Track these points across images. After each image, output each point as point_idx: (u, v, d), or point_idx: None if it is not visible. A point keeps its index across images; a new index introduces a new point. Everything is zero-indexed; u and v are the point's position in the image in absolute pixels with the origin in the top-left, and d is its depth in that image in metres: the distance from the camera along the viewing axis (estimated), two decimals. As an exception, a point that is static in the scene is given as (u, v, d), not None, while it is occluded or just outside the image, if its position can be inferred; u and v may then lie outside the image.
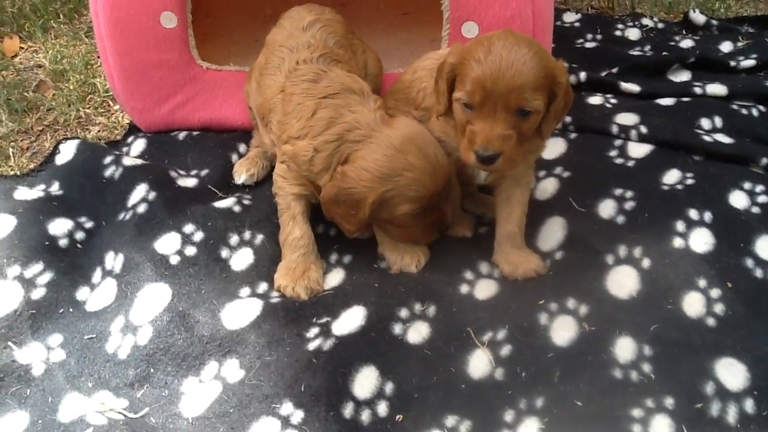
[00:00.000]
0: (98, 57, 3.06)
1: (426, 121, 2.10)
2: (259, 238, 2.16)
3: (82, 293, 2.01)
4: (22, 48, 3.16)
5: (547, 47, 2.44)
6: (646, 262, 2.00)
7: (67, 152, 2.45)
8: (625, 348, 1.79)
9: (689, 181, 2.24)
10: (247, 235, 2.15)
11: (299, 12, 2.34)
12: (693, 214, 2.11)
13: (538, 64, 1.77)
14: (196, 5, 2.48)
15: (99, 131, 2.68)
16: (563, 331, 1.85)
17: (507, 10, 2.30)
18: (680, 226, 2.09)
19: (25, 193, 2.27)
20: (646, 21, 3.27)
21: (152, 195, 2.19)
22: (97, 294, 2.01)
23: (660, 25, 3.26)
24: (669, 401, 1.67)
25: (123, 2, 2.32)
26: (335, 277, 2.07)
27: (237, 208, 2.22)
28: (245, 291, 2.02)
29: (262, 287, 2.04)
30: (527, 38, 1.84)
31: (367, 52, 2.44)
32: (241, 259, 2.10)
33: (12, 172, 2.45)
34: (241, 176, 2.36)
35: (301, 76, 2.09)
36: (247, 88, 2.40)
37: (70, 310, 1.96)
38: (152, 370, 1.81)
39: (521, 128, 1.81)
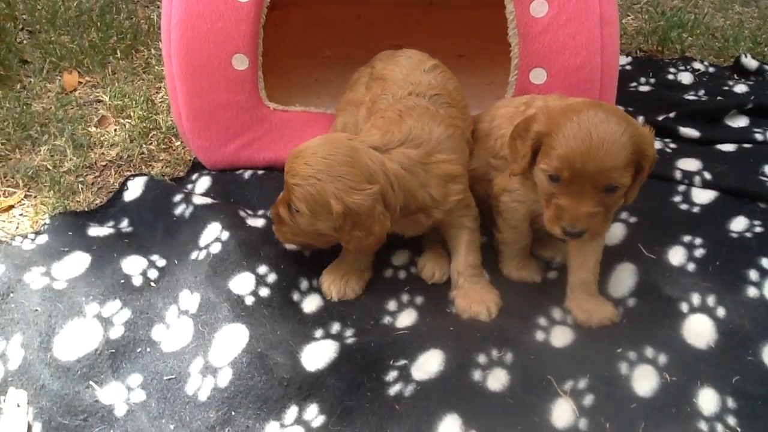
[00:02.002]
0: (157, 92, 3.12)
1: (503, 170, 2.12)
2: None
3: (157, 332, 2.02)
4: (81, 83, 3.21)
5: (614, 96, 2.46)
6: (721, 311, 2.00)
7: (135, 189, 2.47)
8: (708, 400, 1.79)
9: (758, 229, 2.24)
10: (316, 282, 2.17)
11: (418, 55, 2.32)
12: (765, 263, 2.11)
13: (628, 141, 1.75)
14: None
15: (162, 167, 2.70)
16: (645, 381, 1.84)
17: (576, 58, 2.33)
18: (753, 275, 2.08)
19: (96, 230, 2.30)
20: (697, 65, 3.29)
21: (225, 235, 2.20)
22: (173, 333, 2.01)
23: (711, 69, 3.28)
24: (759, 456, 1.67)
25: (197, 45, 2.36)
26: (408, 317, 2.08)
27: (306, 253, 2.23)
28: (319, 332, 2.03)
29: (335, 328, 2.05)
30: (616, 111, 1.83)
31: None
32: (312, 303, 2.12)
33: (80, 208, 2.47)
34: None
35: (403, 103, 2.12)
36: (343, 121, 2.39)
37: (148, 349, 1.97)
38: (233, 414, 1.81)
39: (607, 203, 1.82)
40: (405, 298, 2.14)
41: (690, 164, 2.55)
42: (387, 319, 2.08)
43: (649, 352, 1.91)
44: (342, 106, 2.44)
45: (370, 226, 1.94)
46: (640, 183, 1.88)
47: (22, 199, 2.54)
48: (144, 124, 2.87)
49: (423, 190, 2.02)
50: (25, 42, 3.49)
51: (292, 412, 1.81)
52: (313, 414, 1.80)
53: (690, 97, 3.05)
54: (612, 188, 1.79)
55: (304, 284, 2.15)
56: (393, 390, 1.83)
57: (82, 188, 2.57)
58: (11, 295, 2.02)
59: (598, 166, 1.74)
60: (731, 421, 1.74)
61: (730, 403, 1.78)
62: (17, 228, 2.42)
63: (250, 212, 2.41)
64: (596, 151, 1.74)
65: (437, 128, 2.06)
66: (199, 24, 2.34)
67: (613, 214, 1.92)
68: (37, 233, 2.31)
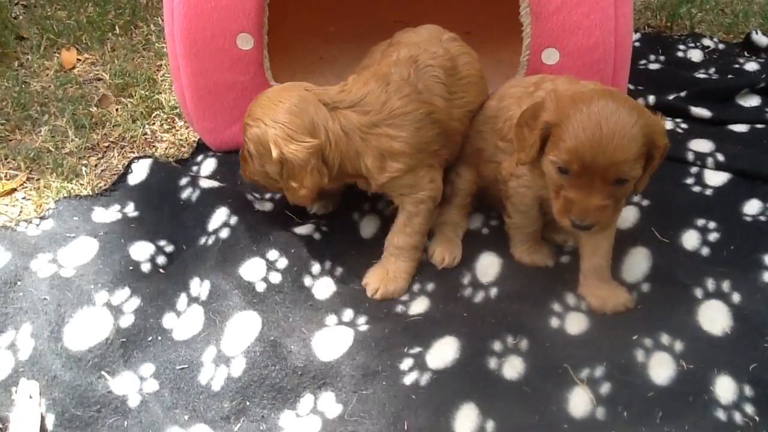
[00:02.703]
0: (158, 71, 3.06)
1: (510, 153, 2.08)
2: (339, 270, 2.16)
3: (168, 320, 1.99)
4: (80, 60, 3.15)
5: (626, 75, 2.41)
6: (736, 297, 1.99)
7: (140, 172, 2.43)
8: (725, 388, 1.78)
9: (772, 212, 2.22)
10: (327, 264, 2.15)
11: (438, 29, 2.29)
12: (780, 247, 2.10)
13: (639, 132, 1.71)
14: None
15: (166, 148, 2.66)
16: (661, 368, 1.83)
17: (590, 39, 2.28)
18: (768, 259, 2.07)
19: (102, 215, 2.26)
20: (707, 42, 3.24)
21: (234, 220, 2.17)
22: (184, 321, 1.99)
23: (721, 46, 3.23)
24: (776, 445, 1.66)
25: (200, 24, 2.30)
26: (420, 305, 2.06)
27: (317, 236, 2.21)
28: (332, 319, 2.01)
29: (348, 314, 2.03)
30: (627, 100, 1.78)
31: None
32: (324, 288, 2.09)
33: (85, 191, 2.43)
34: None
35: (388, 65, 2.11)
36: None
37: (159, 338, 1.94)
38: (248, 403, 1.79)
39: (617, 195, 1.78)
40: (416, 286, 2.12)
41: (702, 145, 2.52)
42: (399, 308, 2.06)
43: (665, 339, 1.90)
44: (357, 71, 2.39)
45: (302, 178, 1.98)
46: (651, 172, 1.84)
47: (24, 182, 2.49)
48: (146, 104, 2.82)
49: (358, 158, 2.03)
50: (20, 17, 3.41)
51: (307, 401, 1.80)
52: (329, 403, 1.79)
53: (700, 75, 3.01)
54: (622, 181, 1.76)
55: (315, 268, 2.12)
56: (409, 379, 1.82)
57: (85, 170, 2.52)
58: (18, 283, 1.98)
59: (608, 159, 1.70)
60: (749, 409, 1.74)
61: (748, 391, 1.77)
62: (20, 212, 2.37)
63: (257, 195, 2.37)
64: (606, 144, 1.69)
65: (397, 101, 2.03)
66: (203, 2, 2.28)
67: (622, 206, 1.89)
68: (42, 218, 2.27)
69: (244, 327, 1.92)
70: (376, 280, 2.09)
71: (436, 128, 2.10)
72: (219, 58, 2.37)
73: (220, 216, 2.20)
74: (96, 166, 2.58)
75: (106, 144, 2.68)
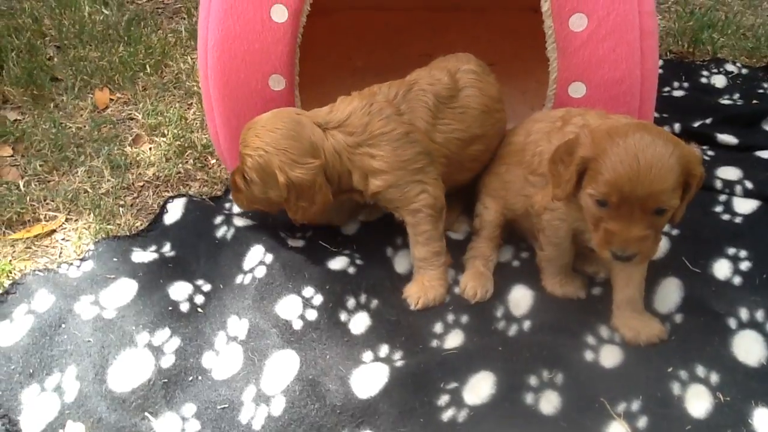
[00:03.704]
0: (189, 108, 3.12)
1: (541, 187, 2.10)
2: (375, 302, 2.18)
3: (207, 360, 2.03)
4: (112, 99, 3.23)
5: (653, 106, 2.43)
6: (770, 327, 1.99)
7: (174, 211, 2.49)
8: (764, 420, 1.79)
9: (803, 240, 2.23)
10: (363, 298, 2.18)
11: (467, 57, 2.42)
12: (814, 275, 2.10)
13: (675, 163, 1.74)
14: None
15: (200, 186, 2.71)
16: (698, 401, 1.84)
17: (617, 72, 2.30)
18: (802, 288, 2.07)
19: (140, 256, 2.31)
20: (730, 67, 3.25)
21: (269, 258, 2.21)
22: (223, 360, 2.03)
23: (744, 71, 3.24)
24: (817, 478, 1.66)
25: (234, 66, 2.35)
26: (455, 339, 2.09)
27: (351, 270, 2.24)
28: (368, 355, 2.04)
29: (384, 350, 2.06)
30: (662, 132, 1.81)
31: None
32: (360, 323, 2.12)
33: (122, 232, 2.48)
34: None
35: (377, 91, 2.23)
36: None
37: (199, 378, 1.98)
38: (288, 442, 1.82)
39: (656, 225, 1.81)
40: (450, 318, 2.15)
41: (730, 173, 2.54)
42: (435, 342, 2.08)
43: (700, 370, 1.91)
44: None
45: (312, 196, 2.13)
46: (688, 201, 1.87)
47: (63, 223, 2.56)
48: (179, 143, 2.88)
49: (349, 174, 2.18)
50: (54, 58, 3.50)
51: (346, 439, 1.83)
52: (368, 441, 1.82)
53: (725, 101, 3.03)
54: (661, 211, 1.78)
55: (350, 303, 2.16)
56: (446, 415, 1.84)
57: (122, 211, 2.58)
58: (63, 326, 2.04)
59: (647, 190, 1.73)
60: (788, 441, 1.74)
61: (786, 423, 1.77)
62: (61, 254, 2.43)
63: (288, 233, 2.41)
64: (645, 175, 1.72)
65: (377, 122, 2.16)
66: (236, 46, 2.34)
67: (660, 236, 1.91)
68: (82, 260, 2.33)
69: (283, 366, 1.96)
70: (416, 292, 2.18)
71: (417, 147, 2.19)
72: (252, 99, 2.42)
73: (255, 254, 2.24)
74: (132, 205, 2.64)
75: (141, 183, 2.74)
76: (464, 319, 2.14)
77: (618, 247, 1.79)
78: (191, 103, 3.15)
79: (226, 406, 1.91)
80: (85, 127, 3.03)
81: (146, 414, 1.87)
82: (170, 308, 2.11)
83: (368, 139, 2.17)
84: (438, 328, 2.12)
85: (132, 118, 3.10)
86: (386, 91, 2.24)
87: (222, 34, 2.34)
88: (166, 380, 1.95)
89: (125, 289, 2.16)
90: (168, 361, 1.99)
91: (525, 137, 2.24)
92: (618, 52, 2.30)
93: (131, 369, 1.94)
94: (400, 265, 2.34)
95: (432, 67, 2.37)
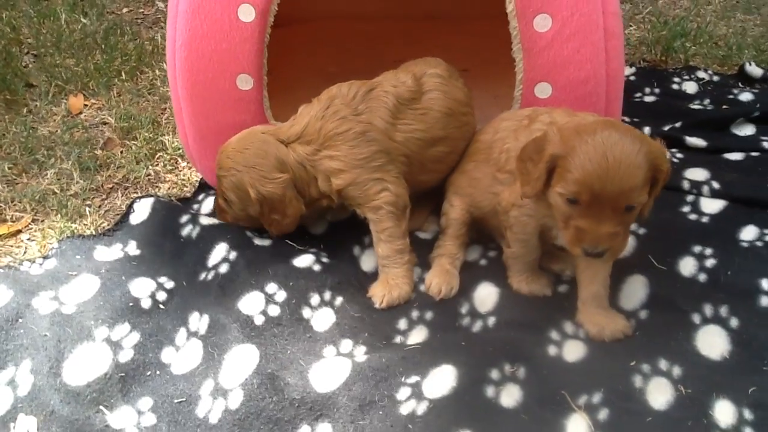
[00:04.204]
0: (163, 113, 3.13)
1: (509, 184, 2.10)
2: (339, 300, 2.16)
3: (167, 355, 2.01)
4: (87, 105, 3.23)
5: (620, 107, 2.45)
6: (734, 322, 1.98)
7: (141, 211, 2.47)
8: (725, 412, 1.76)
9: (769, 238, 2.23)
10: (327, 295, 2.16)
11: (435, 62, 2.44)
12: (778, 272, 2.09)
13: (643, 159, 1.74)
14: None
15: (169, 188, 2.71)
16: (659, 394, 1.82)
17: (581, 72, 2.31)
18: (765, 284, 2.07)
19: (104, 253, 2.30)
20: (701, 74, 3.28)
21: (233, 255, 2.20)
22: (182, 355, 2.00)
23: (716, 78, 3.27)
24: (778, 469, 1.64)
25: (202, 66, 2.36)
26: (419, 334, 2.07)
27: (317, 267, 2.23)
28: (330, 350, 2.02)
29: (346, 346, 2.04)
30: (629, 130, 1.81)
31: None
32: (323, 319, 2.11)
33: (88, 231, 2.47)
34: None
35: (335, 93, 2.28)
36: None
37: (158, 372, 1.96)
38: (245, 435, 1.80)
39: (626, 221, 1.81)
40: (415, 314, 2.13)
41: (698, 174, 2.54)
42: (398, 338, 2.07)
43: (663, 364, 1.89)
44: None
45: (284, 209, 2.22)
46: (654, 197, 1.87)
47: (29, 224, 2.54)
48: (150, 146, 2.88)
49: (314, 183, 2.24)
50: (30, 66, 3.51)
51: (303, 432, 1.80)
52: (326, 434, 1.79)
53: (695, 106, 3.05)
54: (630, 207, 1.78)
55: (314, 299, 2.14)
56: (406, 408, 1.82)
57: (89, 211, 2.56)
58: (20, 320, 2.01)
59: (617, 188, 1.73)
60: (749, 433, 1.72)
61: (747, 414, 1.75)
62: (25, 253, 2.41)
63: (255, 233, 2.40)
64: (614, 173, 1.72)
65: (330, 124, 2.22)
66: (204, 45, 2.34)
67: (629, 231, 1.90)
68: (45, 257, 2.31)
69: (242, 360, 1.94)
70: (380, 291, 2.17)
71: (374, 146, 2.22)
72: (220, 99, 2.42)
73: (219, 252, 2.23)
74: (100, 207, 2.63)
75: (110, 185, 2.74)
76: (428, 315, 2.13)
77: (590, 245, 1.79)
78: (165, 108, 3.16)
79: (184, 399, 1.88)
80: (56, 131, 3.03)
81: (101, 407, 1.84)
82: (131, 304, 2.09)
83: (324, 142, 2.22)
84: (402, 324, 2.11)
85: (105, 123, 3.10)
86: (345, 91, 2.27)
87: (189, 34, 2.34)
88: (123, 374, 1.92)
89: (86, 285, 2.14)
90: (126, 355, 1.97)
91: (492, 135, 2.25)
92: (582, 52, 2.31)
93: (87, 363, 1.92)
94: (367, 263, 2.32)
95: (399, 71, 2.40)
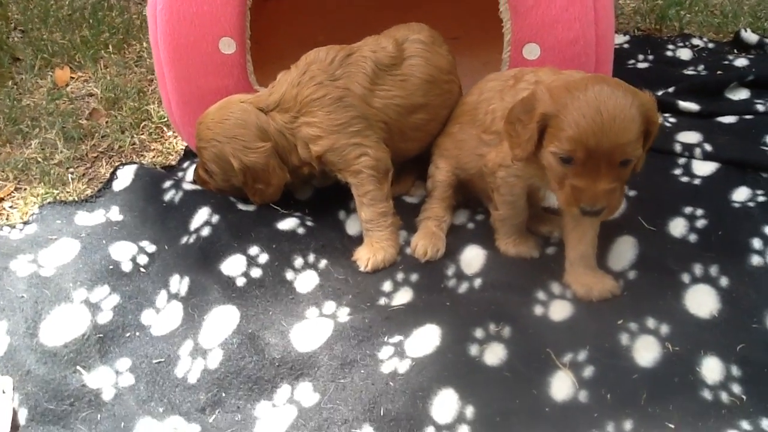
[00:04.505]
0: (149, 84, 3.09)
1: (495, 145, 2.06)
2: (324, 262, 2.13)
3: (147, 317, 1.98)
4: (73, 78, 3.19)
5: (610, 70, 2.40)
6: (724, 281, 1.95)
7: (125, 177, 2.44)
8: (712, 369, 1.74)
9: (761, 198, 2.19)
10: (311, 258, 2.13)
11: (418, 27, 2.40)
12: (769, 231, 2.06)
13: (637, 112, 1.69)
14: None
15: (154, 157, 2.67)
16: (646, 351, 1.79)
17: (570, 32, 2.27)
18: (757, 243, 2.03)
19: (85, 218, 2.27)
20: (696, 41, 3.23)
21: (215, 218, 2.17)
22: (163, 317, 1.98)
23: (711, 45, 3.22)
24: (765, 423, 1.61)
25: (184, 29, 2.32)
26: (404, 296, 2.04)
27: (301, 230, 2.19)
28: (313, 312, 1.99)
29: (330, 307, 2.01)
30: (620, 84, 1.76)
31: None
32: (307, 281, 2.08)
33: (71, 198, 2.44)
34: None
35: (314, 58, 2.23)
36: None
37: (137, 334, 1.93)
38: (224, 395, 1.77)
39: (622, 176, 1.76)
40: (400, 276, 2.10)
41: (690, 137, 2.50)
42: (383, 300, 2.04)
43: (650, 322, 1.86)
44: None
45: (267, 178, 2.20)
46: (648, 150, 1.82)
47: (12, 192, 2.51)
48: (135, 115, 2.84)
49: (295, 151, 2.21)
50: (17, 40, 3.47)
51: (284, 391, 1.78)
52: (306, 393, 1.77)
53: (689, 72, 3.00)
54: (626, 162, 1.73)
55: (298, 262, 2.11)
56: (387, 367, 1.79)
57: (72, 179, 2.53)
58: (-3, 282, 1.99)
59: (612, 143, 1.68)
60: (736, 389, 1.70)
61: (735, 371, 1.73)
62: (6, 220, 2.38)
63: (240, 199, 2.36)
64: (609, 128, 1.67)
65: (306, 90, 2.18)
66: (185, 8, 2.30)
67: (625, 187, 1.86)
68: (26, 223, 2.28)
69: (222, 321, 1.91)
70: (365, 254, 2.13)
71: (352, 111, 2.18)
72: (202, 62, 2.38)
73: (202, 215, 2.20)
74: (84, 175, 2.60)
75: (95, 154, 2.70)
76: (414, 277, 2.09)
77: (587, 203, 1.74)
78: (152, 79, 3.12)
79: (163, 360, 1.86)
80: (42, 102, 2.99)
81: (78, 368, 1.82)
82: (111, 267, 2.06)
83: (301, 108, 2.19)
84: (387, 286, 2.07)
85: (91, 94, 3.07)
86: (323, 56, 2.23)
87: (170, -4, 2.31)
88: (101, 335, 1.90)
89: (66, 248, 2.11)
90: (105, 317, 1.94)
91: (478, 96, 2.21)
92: (571, 12, 2.27)
93: (65, 324, 1.89)
94: (352, 227, 2.29)
95: (381, 36, 2.36)
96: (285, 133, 2.20)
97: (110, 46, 3.35)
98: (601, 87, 1.72)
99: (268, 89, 2.28)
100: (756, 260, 1.99)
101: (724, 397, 1.68)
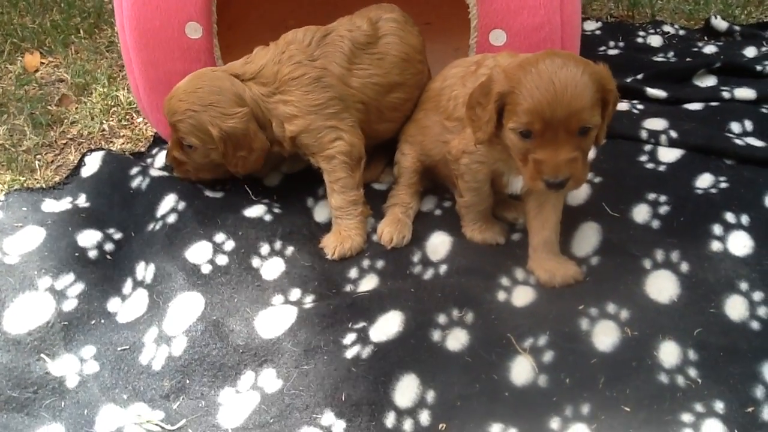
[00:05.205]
0: (120, 70, 3.07)
1: (458, 132, 2.08)
2: (290, 249, 2.14)
3: (113, 304, 1.99)
4: (43, 63, 3.16)
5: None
6: (684, 266, 1.98)
7: (92, 164, 2.43)
8: (669, 353, 1.77)
9: (723, 185, 2.21)
10: (278, 245, 2.14)
11: (390, 9, 2.40)
12: (730, 217, 2.08)
13: (589, 79, 1.72)
14: (218, 18, 2.47)
15: (123, 143, 2.66)
16: (605, 336, 1.82)
17: (535, 18, 2.28)
18: (717, 229, 2.06)
19: (52, 205, 2.26)
20: (667, 28, 3.25)
21: (182, 205, 2.17)
22: (128, 305, 1.98)
23: (681, 32, 3.24)
24: (719, 405, 1.65)
25: (149, 14, 2.31)
26: (370, 282, 2.06)
27: (267, 217, 2.20)
28: (278, 299, 2.00)
29: (295, 294, 2.02)
30: (572, 55, 1.79)
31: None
32: (273, 268, 2.08)
33: (38, 185, 2.43)
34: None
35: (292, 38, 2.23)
36: None
37: (102, 321, 1.94)
38: (188, 381, 1.79)
39: (583, 146, 1.78)
40: (366, 263, 2.11)
41: (656, 124, 2.52)
42: (349, 287, 2.05)
43: (611, 308, 1.88)
44: None
45: (249, 144, 2.15)
46: (608, 121, 1.84)
47: (-23, 180, 2.49)
48: (105, 101, 2.82)
49: (270, 125, 2.19)
50: (-16, 25, 3.43)
51: (247, 377, 1.79)
52: (269, 379, 1.78)
53: (659, 59, 3.02)
54: (585, 130, 1.75)
55: (264, 249, 2.12)
56: (350, 353, 1.81)
57: (40, 166, 2.52)
58: (-40, 271, 1.98)
59: (567, 109, 1.71)
60: (692, 372, 1.72)
61: (692, 355, 1.75)
62: (-27, 207, 2.37)
63: (208, 186, 2.36)
64: (562, 95, 1.70)
65: (285, 69, 2.17)
66: (151, -8, 2.29)
67: (588, 160, 1.87)
68: (-8, 210, 2.27)
69: (187, 308, 1.92)
70: (333, 242, 2.14)
71: (330, 92, 2.18)
72: (169, 47, 2.37)
73: (168, 202, 2.20)
74: (52, 162, 2.59)
75: (64, 141, 2.69)
76: (380, 264, 2.11)
77: (550, 174, 1.75)
78: (122, 65, 3.07)
79: (127, 347, 1.87)
80: (11, 88, 2.96)
81: (42, 355, 1.82)
82: (77, 254, 2.06)
83: (279, 86, 2.17)
84: (353, 273, 2.09)
85: (61, 80, 3.05)
86: (301, 37, 2.23)
87: (136, -19, 2.29)
88: (66, 323, 1.90)
89: (32, 236, 2.10)
90: (70, 304, 1.94)
91: (441, 83, 2.22)
92: (536, -3, 2.28)
93: (29, 312, 1.89)
94: (320, 214, 2.30)
95: (354, 16, 2.36)
96: (260, 104, 2.17)
97: (81, 31, 3.32)
98: (552, 59, 1.75)
99: (242, 59, 2.25)
100: (716, 246, 2.02)
101: (680, 380, 1.71)
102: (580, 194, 2.24)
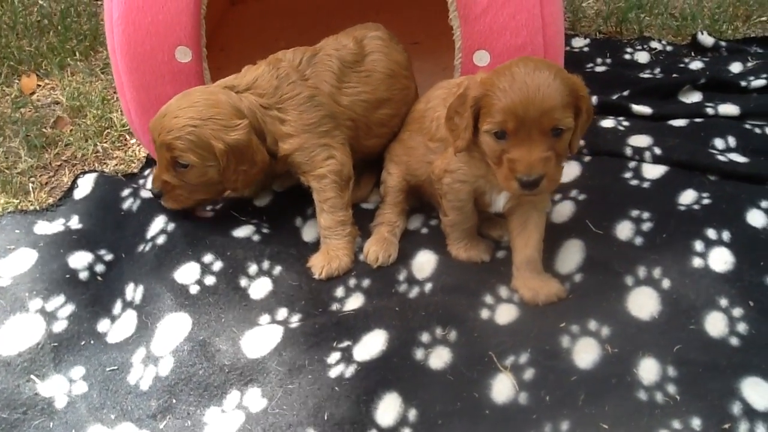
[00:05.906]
0: (115, 92, 3.11)
1: (441, 153, 2.11)
2: (278, 269, 2.17)
3: (103, 325, 2.02)
4: (39, 85, 3.21)
5: (560, 73, 2.45)
6: (666, 283, 1.99)
7: (85, 186, 2.47)
8: (649, 369, 1.78)
9: (706, 201, 2.23)
10: (266, 265, 2.16)
11: (375, 28, 2.45)
12: (711, 233, 2.10)
13: (561, 82, 1.78)
14: (210, 40, 2.52)
15: (116, 164, 2.71)
16: (586, 353, 1.84)
17: (518, 38, 2.32)
18: (699, 246, 2.08)
19: (45, 228, 2.30)
20: (654, 44, 3.29)
21: (171, 226, 2.21)
22: (118, 326, 2.02)
23: (669, 48, 3.28)
24: (696, 422, 1.65)
25: (140, 38, 2.35)
26: (355, 301, 2.08)
27: (256, 237, 2.23)
28: (265, 318, 2.03)
29: (282, 313, 2.05)
30: (544, 60, 1.86)
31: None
32: (260, 288, 2.11)
33: (32, 207, 2.47)
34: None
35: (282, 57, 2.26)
36: None
37: (92, 342, 1.97)
38: (174, 401, 1.81)
39: (556, 148, 1.83)
40: (352, 282, 2.14)
41: (641, 140, 2.55)
42: (335, 306, 2.08)
43: (592, 325, 1.90)
44: None
45: (252, 157, 2.13)
46: (583, 130, 1.90)
47: (-28, 203, 2.54)
48: (99, 123, 2.87)
49: (264, 138, 2.19)
50: (-18, 48, 3.49)
51: (233, 397, 1.82)
52: (254, 398, 1.80)
53: (645, 75, 3.05)
54: (557, 131, 1.80)
55: (252, 269, 2.14)
56: (334, 372, 1.83)
57: (34, 188, 2.56)
58: (-48, 294, 2.02)
59: (539, 108, 1.76)
60: (671, 389, 1.74)
61: (671, 371, 1.77)
62: (-33, 230, 2.41)
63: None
64: (534, 94, 1.76)
65: (286, 87, 2.20)
66: (140, 17, 2.33)
67: (562, 163, 1.92)
68: (-16, 233, 2.31)
69: (174, 328, 1.95)
70: (320, 262, 2.16)
71: (322, 110, 2.21)
72: (159, 71, 2.41)
73: (158, 223, 2.24)
74: (46, 184, 2.63)
75: (58, 163, 2.73)
76: (366, 283, 2.13)
77: (523, 171, 1.79)
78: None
79: (116, 367, 1.90)
80: (7, 111, 3.01)
81: (32, 377, 1.86)
82: (68, 276, 2.10)
83: (278, 102, 2.20)
84: (339, 292, 2.11)
85: (57, 102, 3.09)
86: (291, 57, 2.27)
87: (125, 7, 2.34)
88: (56, 344, 1.93)
89: (24, 258, 2.14)
90: (60, 326, 1.98)
91: (425, 104, 2.26)
92: (518, 18, 2.32)
93: (19, 333, 1.93)
94: (308, 234, 2.33)
95: (340, 35, 2.42)
96: (257, 114, 2.16)
97: (77, 53, 3.38)
98: (525, 63, 1.83)
99: (231, 76, 2.27)
100: (697, 262, 2.04)
101: (658, 397, 1.72)
102: (564, 211, 2.27)
